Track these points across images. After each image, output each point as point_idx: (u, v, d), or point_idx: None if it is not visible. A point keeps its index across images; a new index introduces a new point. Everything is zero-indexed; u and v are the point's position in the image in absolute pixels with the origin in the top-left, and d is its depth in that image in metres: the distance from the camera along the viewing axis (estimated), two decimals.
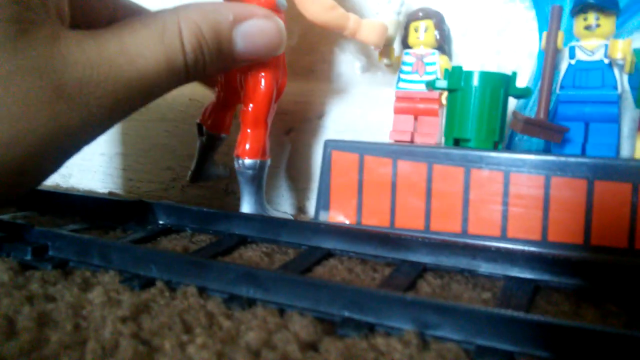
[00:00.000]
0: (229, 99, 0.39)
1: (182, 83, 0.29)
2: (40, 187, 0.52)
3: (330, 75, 0.48)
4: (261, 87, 0.35)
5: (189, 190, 0.52)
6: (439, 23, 0.41)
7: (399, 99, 0.42)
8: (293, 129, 0.48)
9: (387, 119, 0.46)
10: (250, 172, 0.36)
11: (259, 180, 0.37)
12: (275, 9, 0.36)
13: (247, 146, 0.36)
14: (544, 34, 0.35)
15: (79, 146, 0.27)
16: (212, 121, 0.40)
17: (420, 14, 0.41)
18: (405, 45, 0.42)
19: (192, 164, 0.41)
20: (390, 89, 0.46)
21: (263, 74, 0.35)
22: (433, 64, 0.41)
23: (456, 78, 0.34)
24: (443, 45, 0.42)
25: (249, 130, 0.36)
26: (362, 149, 0.34)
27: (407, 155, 0.33)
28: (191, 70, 0.28)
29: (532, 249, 0.30)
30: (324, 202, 0.35)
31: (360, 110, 0.47)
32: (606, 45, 0.34)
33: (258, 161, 0.36)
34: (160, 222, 0.36)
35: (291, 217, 0.41)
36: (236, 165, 0.36)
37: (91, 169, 0.57)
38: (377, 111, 0.46)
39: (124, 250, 0.28)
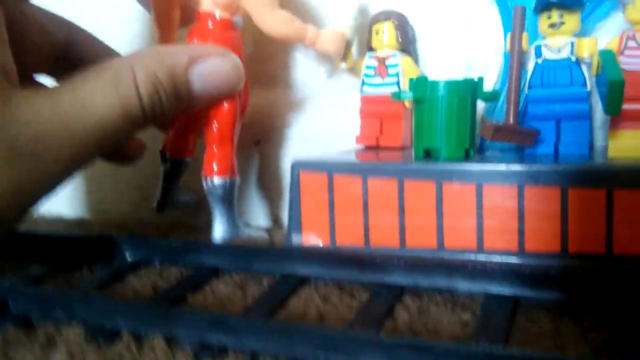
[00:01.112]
0: (192, 122, 0.38)
1: (141, 128, 0.29)
2: None
3: (294, 82, 0.47)
4: (224, 105, 0.34)
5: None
6: (401, 24, 0.40)
7: (364, 103, 0.41)
8: (261, 139, 0.47)
9: (355, 124, 0.45)
10: (220, 191, 0.35)
11: (230, 199, 0.36)
12: (232, 28, 0.35)
13: (215, 165, 0.34)
14: (508, 35, 0.34)
15: (40, 199, 0.26)
16: (175, 146, 0.38)
17: (381, 16, 0.40)
18: (369, 48, 0.41)
19: (157, 192, 0.39)
20: (356, 93, 0.45)
21: None
22: (395, 65, 0.40)
23: (421, 88, 0.33)
24: (407, 47, 0.41)
25: (215, 150, 0.35)
26: (330, 168, 0.33)
27: (376, 171, 0.32)
28: (149, 115, 0.28)
29: (510, 260, 0.30)
30: (295, 225, 0.34)
31: (328, 116, 0.46)
32: (572, 43, 0.33)
33: (227, 180, 0.35)
34: (128, 258, 0.34)
35: (266, 234, 0.40)
36: (205, 186, 0.35)
37: (59, 194, 0.55)
38: (344, 116, 0.45)
39: (88, 302, 0.27)
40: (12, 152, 0.24)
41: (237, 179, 0.36)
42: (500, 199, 0.30)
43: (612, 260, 0.28)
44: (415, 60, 0.42)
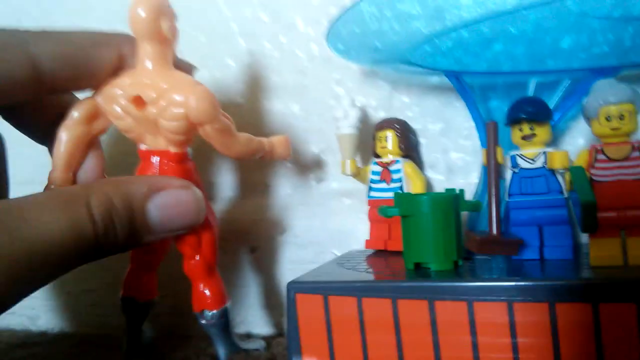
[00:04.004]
0: (153, 260, 0.37)
1: (94, 256, 0.27)
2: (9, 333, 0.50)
3: (287, 189, 0.48)
4: (203, 237, 0.34)
5: (160, 319, 0.51)
6: (403, 131, 0.42)
7: (372, 207, 0.43)
8: (257, 247, 0.48)
9: (348, 228, 0.46)
10: (222, 320, 0.35)
11: (228, 323, 0.36)
12: (187, 159, 0.34)
13: (208, 299, 0.35)
14: (483, 151, 0.35)
15: None
16: (141, 289, 0.38)
17: (384, 124, 0.42)
18: (374, 154, 0.43)
19: (123, 344, 0.39)
20: (346, 198, 0.47)
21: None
22: (398, 171, 0.41)
23: (405, 204, 0.34)
24: (410, 152, 0.42)
25: (202, 284, 0.35)
26: (325, 289, 0.34)
27: (370, 291, 0.33)
28: (102, 242, 0.26)
29: None
30: (295, 347, 0.34)
31: (320, 222, 0.47)
32: (545, 153, 0.35)
33: (222, 309, 0.35)
34: None
35: (263, 345, 0.39)
36: (203, 320, 0.35)
37: (59, 308, 0.55)
38: (338, 221, 0.47)
39: None
40: None
41: (229, 302, 0.36)
42: (492, 316, 0.31)
43: None
44: (419, 164, 0.44)
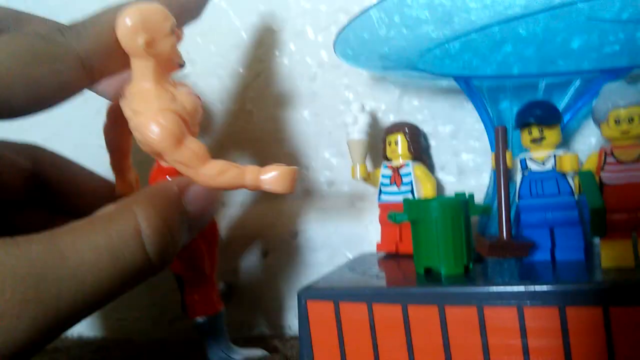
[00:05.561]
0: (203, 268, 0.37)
1: (150, 272, 0.27)
2: None
3: (298, 193, 0.49)
4: (192, 245, 0.35)
5: (177, 324, 0.52)
6: (413, 135, 0.42)
7: (382, 210, 0.43)
8: (269, 250, 0.49)
9: (360, 231, 0.46)
10: (210, 328, 0.36)
11: (222, 329, 0.37)
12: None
13: (201, 306, 0.36)
14: (492, 155, 0.35)
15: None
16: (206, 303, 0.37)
17: (394, 128, 0.42)
18: (384, 157, 0.43)
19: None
20: (358, 201, 0.47)
21: None
22: (408, 174, 0.42)
23: (414, 210, 0.34)
24: (420, 155, 0.43)
25: (196, 292, 0.36)
26: (336, 295, 0.34)
27: (380, 297, 0.33)
28: (158, 259, 0.26)
29: None
30: (307, 353, 0.35)
31: (333, 226, 0.47)
32: (555, 156, 0.35)
33: (216, 314, 0.36)
34: None
35: (261, 353, 0.40)
36: (195, 324, 0.36)
37: None
38: (349, 225, 0.47)
39: None
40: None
41: (223, 309, 0.37)
42: (502, 320, 0.31)
43: None
44: (430, 166, 0.44)
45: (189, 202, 0.29)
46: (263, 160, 0.49)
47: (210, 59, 0.49)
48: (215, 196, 0.32)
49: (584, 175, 0.31)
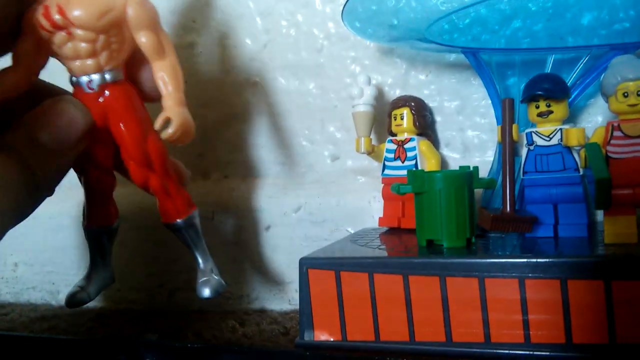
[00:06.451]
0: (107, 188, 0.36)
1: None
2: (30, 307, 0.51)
3: (301, 167, 0.49)
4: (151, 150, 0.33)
5: (177, 294, 0.52)
6: (419, 109, 0.42)
7: (385, 185, 0.43)
8: (271, 224, 0.49)
9: (363, 206, 0.46)
10: (192, 228, 0.35)
11: (198, 230, 0.36)
12: None
13: (179, 206, 0.34)
14: (498, 128, 0.35)
15: None
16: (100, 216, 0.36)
17: (399, 102, 0.42)
18: (389, 132, 0.43)
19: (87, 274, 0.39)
20: (361, 176, 0.47)
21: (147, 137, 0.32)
22: (413, 149, 0.41)
23: (419, 181, 0.34)
24: (425, 130, 0.42)
25: (165, 199, 0.34)
26: (337, 264, 0.34)
27: (381, 267, 0.33)
28: None
29: (517, 352, 0.30)
30: (307, 321, 0.35)
31: (335, 200, 0.47)
32: (561, 130, 0.34)
33: (194, 211, 0.35)
34: None
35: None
36: (174, 230, 0.35)
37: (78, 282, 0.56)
38: (351, 199, 0.47)
39: None
40: None
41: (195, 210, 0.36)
42: (503, 292, 0.31)
43: (616, 351, 0.28)
44: (435, 142, 0.44)
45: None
46: (269, 132, 0.49)
47: (217, 28, 0.48)
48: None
49: (590, 147, 0.31)
